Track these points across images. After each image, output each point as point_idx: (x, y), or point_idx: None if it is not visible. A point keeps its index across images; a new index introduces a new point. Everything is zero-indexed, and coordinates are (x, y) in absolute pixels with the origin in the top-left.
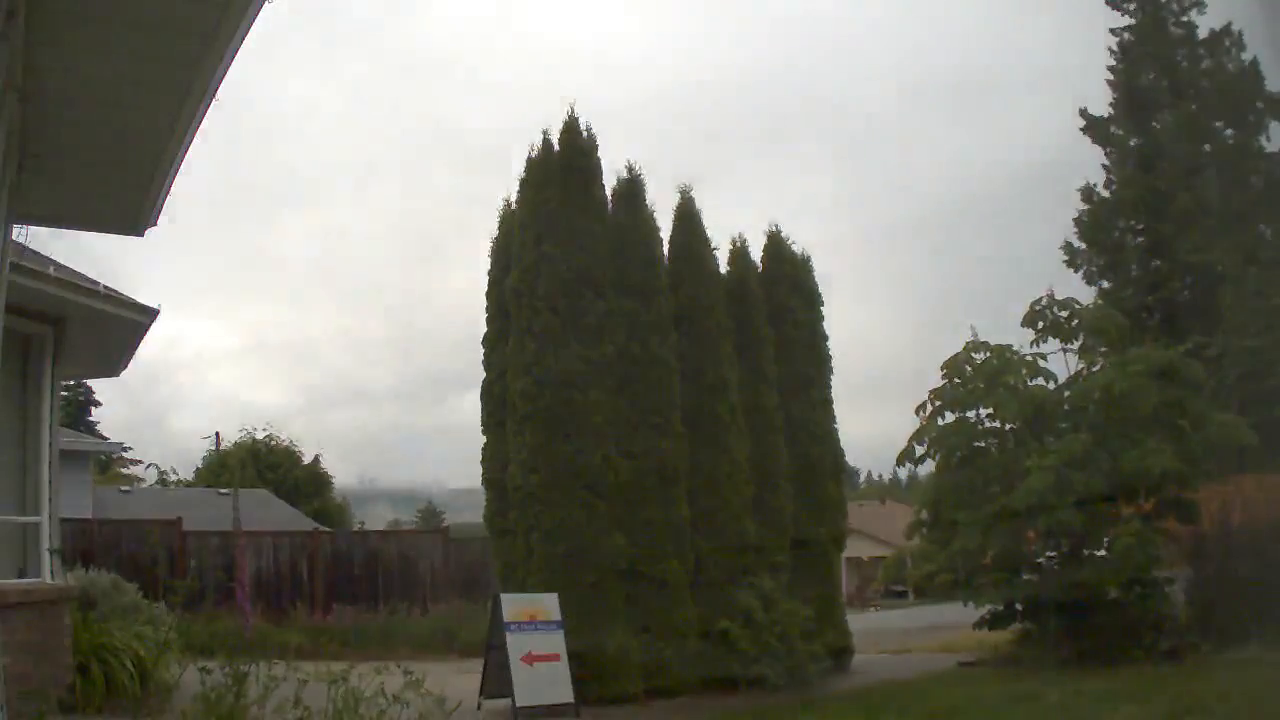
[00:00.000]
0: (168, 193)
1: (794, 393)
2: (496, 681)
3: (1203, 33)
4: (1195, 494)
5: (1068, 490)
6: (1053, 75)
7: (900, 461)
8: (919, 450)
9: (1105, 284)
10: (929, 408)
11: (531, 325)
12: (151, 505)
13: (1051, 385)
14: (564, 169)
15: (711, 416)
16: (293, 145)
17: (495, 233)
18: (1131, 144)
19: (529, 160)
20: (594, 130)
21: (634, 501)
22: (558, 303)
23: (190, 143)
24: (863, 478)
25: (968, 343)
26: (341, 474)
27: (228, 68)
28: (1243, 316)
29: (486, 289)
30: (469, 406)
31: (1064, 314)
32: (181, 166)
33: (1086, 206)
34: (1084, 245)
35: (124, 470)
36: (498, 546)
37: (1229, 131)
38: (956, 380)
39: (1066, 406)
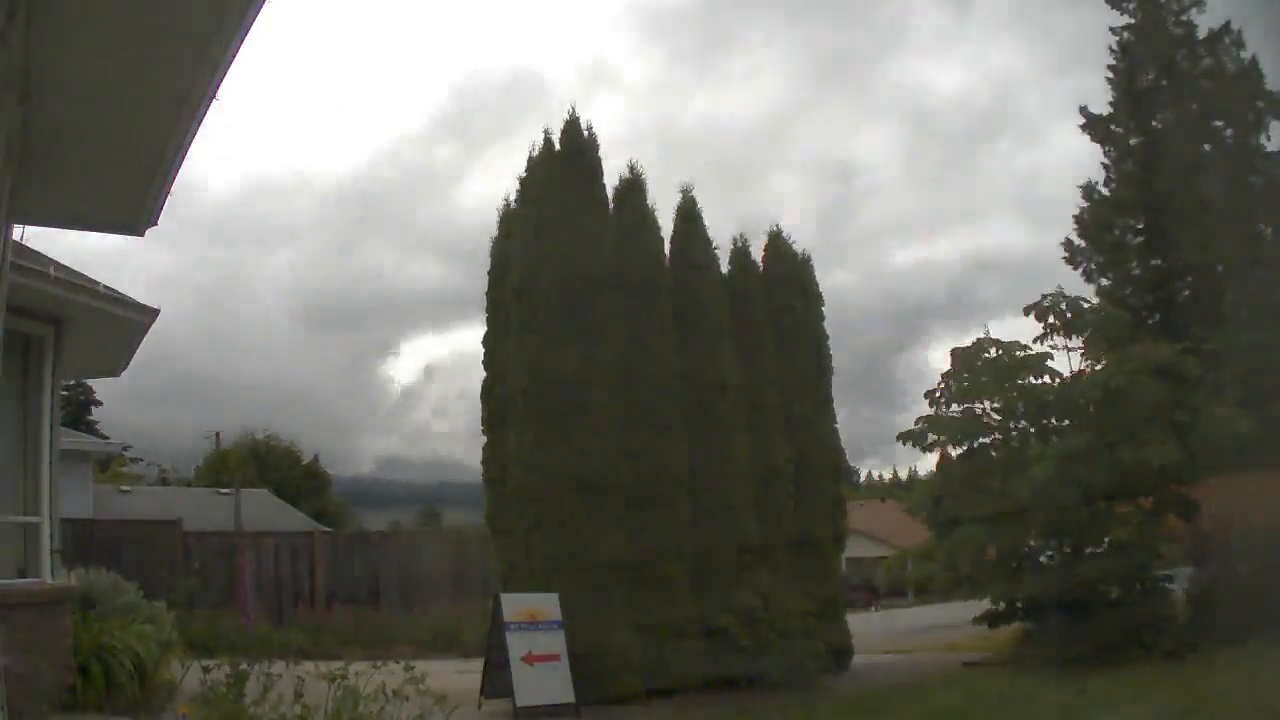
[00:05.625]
0: (168, 193)
1: (794, 392)
2: (497, 681)
3: (1202, 32)
4: (1195, 490)
5: (1069, 483)
6: (1053, 73)
7: (905, 440)
8: (929, 437)
9: (1105, 281)
10: (940, 394)
11: (532, 325)
12: (151, 505)
13: (1056, 382)
14: (565, 168)
15: (712, 416)
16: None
17: (496, 232)
18: (1132, 143)
19: (530, 159)
20: (594, 129)
21: (634, 501)
22: (558, 302)
23: (190, 142)
24: (863, 478)
25: (978, 339)
26: (341, 472)
27: (228, 68)
28: (1243, 314)
29: (487, 288)
30: (469, 405)
31: (1070, 311)
32: (182, 166)
33: (1087, 204)
34: (1084, 243)
35: (124, 469)
36: (498, 546)
37: (1229, 131)
38: (965, 375)
39: (1068, 402)
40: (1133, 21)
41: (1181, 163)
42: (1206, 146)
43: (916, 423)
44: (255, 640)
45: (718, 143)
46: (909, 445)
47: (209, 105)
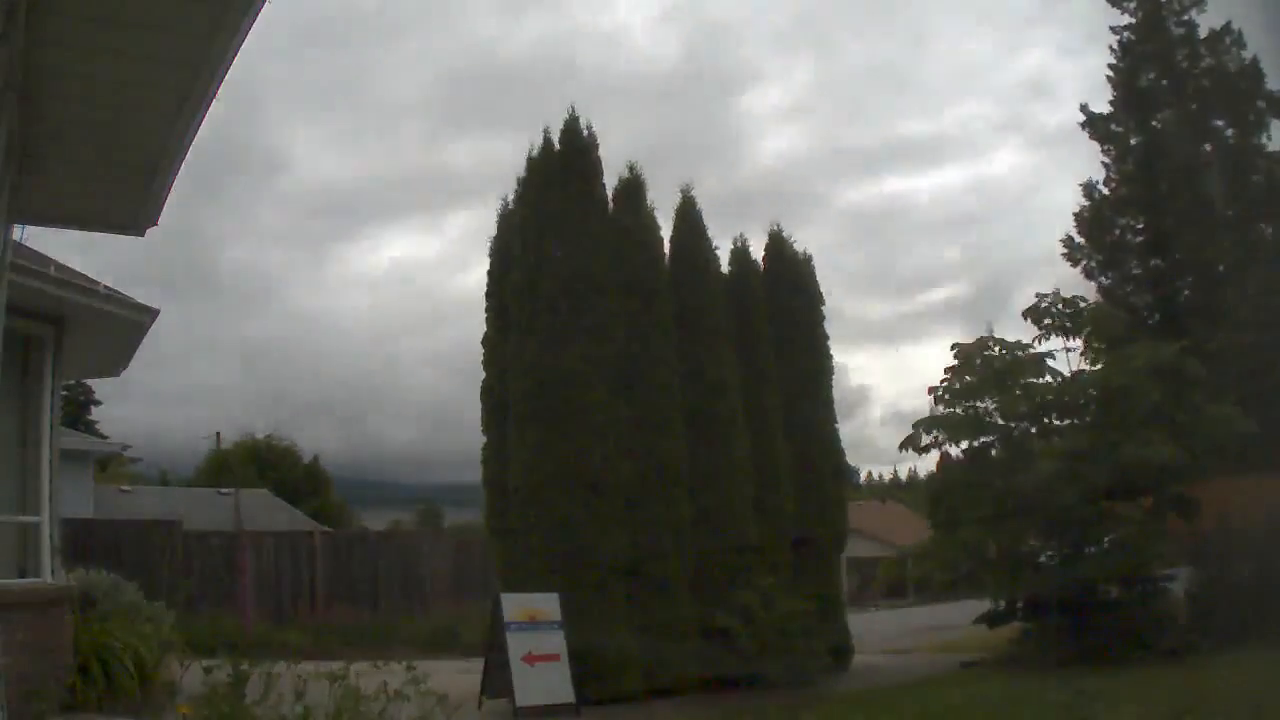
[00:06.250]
0: (168, 192)
1: (794, 393)
2: (497, 681)
3: (1203, 31)
4: (1195, 490)
5: (1071, 481)
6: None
7: (904, 447)
8: (925, 439)
9: (1105, 280)
10: (941, 394)
11: (532, 325)
12: (151, 505)
13: (1057, 381)
14: (564, 168)
15: (712, 416)
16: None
17: (495, 232)
18: (1132, 142)
19: (529, 159)
20: (594, 129)
21: (635, 501)
22: (558, 302)
23: (190, 143)
24: (863, 477)
25: (980, 337)
26: (341, 472)
27: (228, 68)
28: (1243, 314)
29: (487, 289)
30: (469, 404)
31: (1068, 311)
32: (182, 166)
33: (1087, 203)
34: (1084, 241)
35: (125, 469)
36: (498, 546)
37: (1229, 131)
38: (968, 377)
39: (1068, 401)
40: (1133, 21)
41: (1181, 163)
42: (1206, 146)
43: (915, 425)
44: (255, 640)
45: None
46: (908, 451)
47: (209, 105)
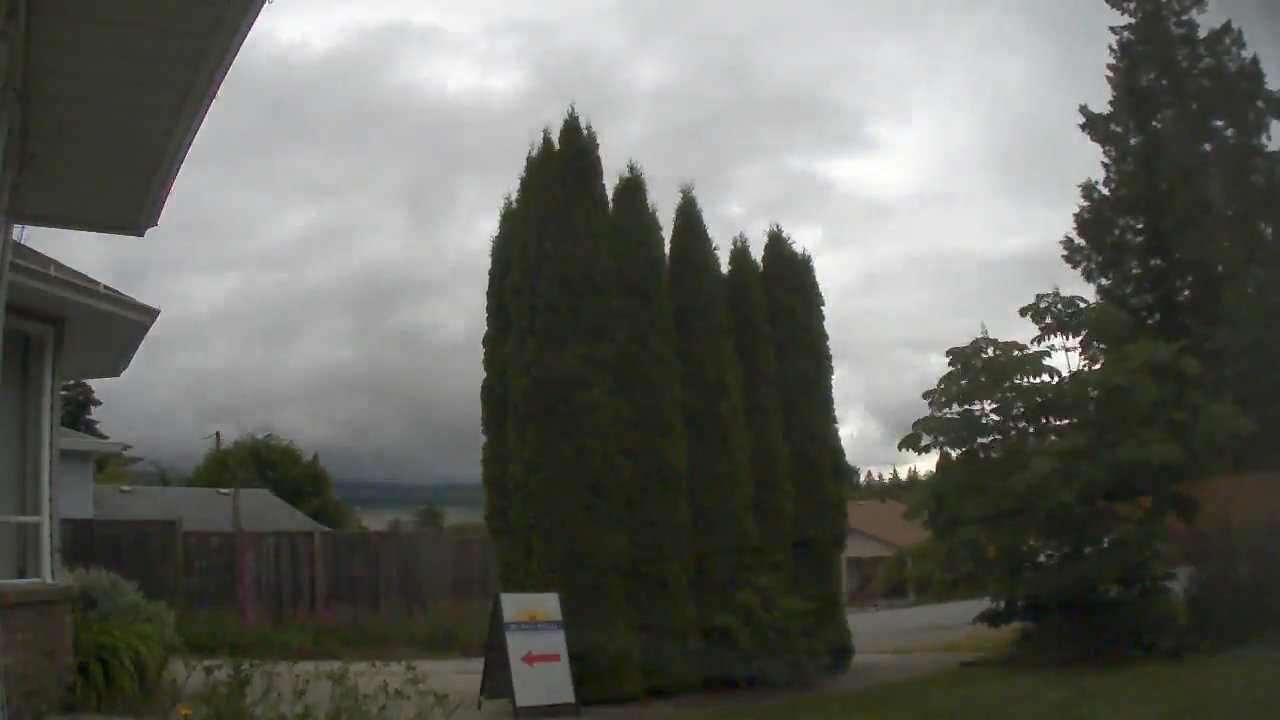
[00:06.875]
0: (168, 192)
1: (794, 393)
2: (496, 681)
3: (1203, 31)
4: (1195, 490)
5: (1068, 479)
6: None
7: (903, 446)
8: (925, 439)
9: (1105, 281)
10: (938, 397)
11: (532, 324)
12: (151, 505)
13: (1055, 381)
14: (564, 168)
15: (712, 416)
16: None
17: (496, 231)
18: (1132, 142)
19: (529, 159)
20: (594, 129)
21: (635, 501)
22: (558, 302)
23: (190, 143)
24: (863, 477)
25: (976, 338)
26: (340, 471)
27: (228, 67)
28: (1243, 314)
29: (487, 288)
30: (469, 404)
31: (1068, 311)
32: (181, 166)
33: (1087, 203)
34: (1084, 242)
35: (124, 469)
36: (498, 546)
37: (1229, 130)
38: (963, 375)
39: (1067, 400)
40: (1133, 21)
41: (1181, 163)
42: (1206, 146)
43: (914, 426)
44: (255, 640)
45: None
46: (907, 450)
47: (209, 104)
